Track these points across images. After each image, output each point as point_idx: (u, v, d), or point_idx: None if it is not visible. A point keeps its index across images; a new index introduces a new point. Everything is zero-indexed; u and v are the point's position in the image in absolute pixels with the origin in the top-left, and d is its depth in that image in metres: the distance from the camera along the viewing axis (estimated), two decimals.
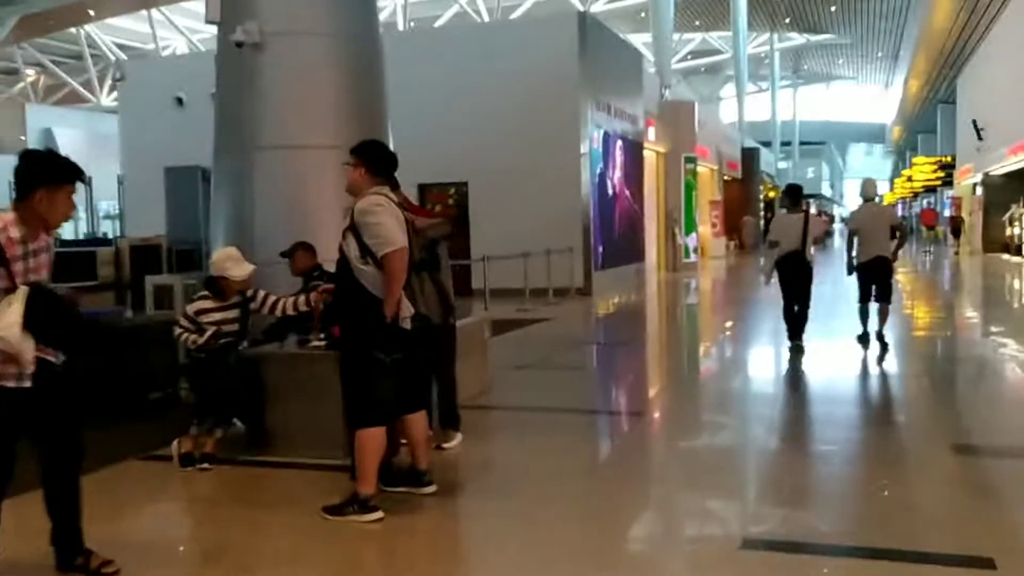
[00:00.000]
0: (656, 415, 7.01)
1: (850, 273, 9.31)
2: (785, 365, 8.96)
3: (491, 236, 16.66)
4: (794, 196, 9.41)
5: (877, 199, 9.89)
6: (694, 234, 24.09)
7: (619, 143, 18.84)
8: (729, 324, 13.40)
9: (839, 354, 9.32)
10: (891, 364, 8.95)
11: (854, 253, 9.26)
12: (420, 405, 4.68)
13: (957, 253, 26.98)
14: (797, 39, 52.66)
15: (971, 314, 13.92)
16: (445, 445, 5.62)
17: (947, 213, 37.10)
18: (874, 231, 9.04)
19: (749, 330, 12.29)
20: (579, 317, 14.11)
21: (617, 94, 18.60)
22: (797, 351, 9.06)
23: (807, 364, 8.75)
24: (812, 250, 9.10)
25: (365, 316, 4.33)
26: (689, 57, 53.29)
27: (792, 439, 6.03)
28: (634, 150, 19.97)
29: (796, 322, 9.13)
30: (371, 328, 4.33)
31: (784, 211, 9.67)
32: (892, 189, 60.67)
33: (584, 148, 16.64)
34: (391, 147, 7.39)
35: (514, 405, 7.19)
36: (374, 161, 4.55)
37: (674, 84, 27.25)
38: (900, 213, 37.17)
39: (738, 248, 33.44)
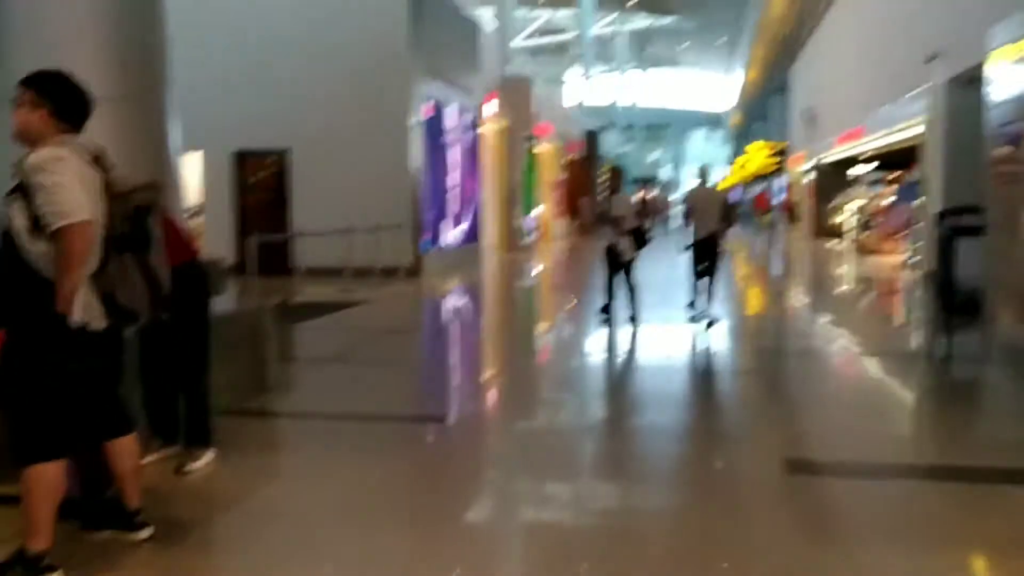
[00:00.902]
0: (465, 421, 6.06)
1: (687, 249, 9.93)
2: (604, 354, 8.33)
3: (314, 210, 15.44)
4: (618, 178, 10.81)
5: (710, 182, 10.55)
6: (532, 214, 23.47)
7: (454, 116, 17.86)
8: (561, 306, 12.74)
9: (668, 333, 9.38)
10: (722, 351, 8.44)
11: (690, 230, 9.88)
12: (122, 428, 3.56)
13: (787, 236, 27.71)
14: (642, 21, 53.19)
15: (801, 299, 13.81)
16: (188, 468, 4.51)
17: (780, 199, 38.24)
18: (705, 210, 9.74)
19: (579, 313, 11.65)
20: (402, 300, 13.05)
21: (453, 64, 17.60)
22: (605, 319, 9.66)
23: (632, 352, 8.11)
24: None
25: (39, 311, 3.19)
26: (537, 36, 53.01)
27: (611, 462, 5.23)
28: (471, 125, 19.04)
29: (630, 298, 9.66)
30: (48, 327, 3.20)
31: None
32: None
33: (414, 118, 15.57)
34: (168, 100, 6.19)
35: (296, 411, 6.11)
36: (62, 99, 3.38)
37: (520, 63, 26.49)
38: (736, 197, 37.92)
39: (584, 229, 33.20)
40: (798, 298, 13.95)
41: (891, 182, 22.54)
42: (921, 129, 16.12)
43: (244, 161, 16.22)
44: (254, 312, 6.24)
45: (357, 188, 15.41)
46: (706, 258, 9.70)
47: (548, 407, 6.52)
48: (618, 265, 9.58)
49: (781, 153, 41.05)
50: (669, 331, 9.75)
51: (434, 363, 8.43)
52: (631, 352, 8.80)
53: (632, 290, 9.63)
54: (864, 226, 21.67)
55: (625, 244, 9.51)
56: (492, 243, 22.18)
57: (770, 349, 9.07)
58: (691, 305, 9.96)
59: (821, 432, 5.58)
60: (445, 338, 10.19)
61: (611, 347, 8.91)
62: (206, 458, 4.59)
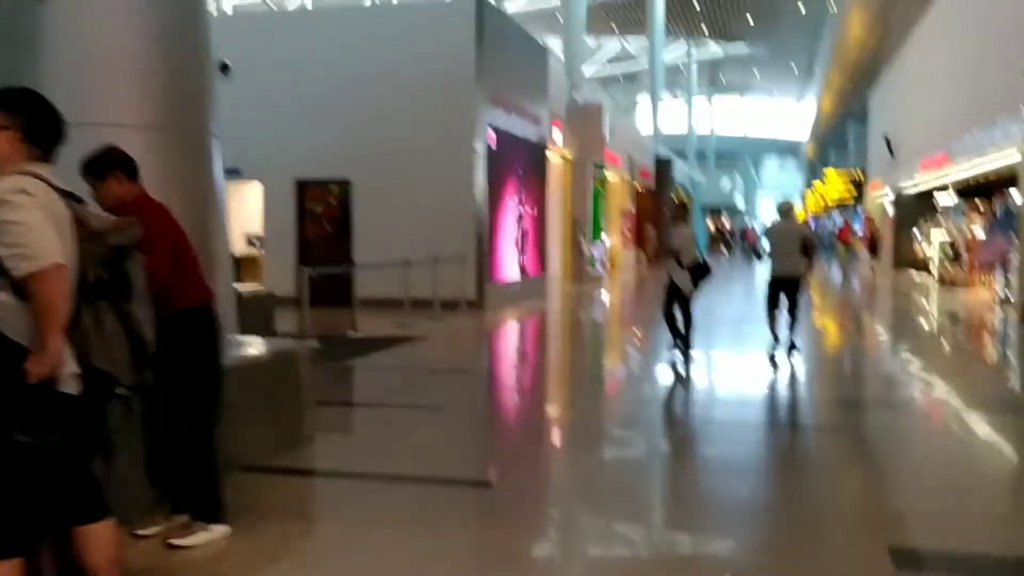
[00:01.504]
0: (514, 486, 5.33)
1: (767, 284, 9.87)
2: (673, 403, 7.61)
3: (376, 240, 15.11)
4: (683, 212, 10.39)
5: (790, 217, 10.20)
6: (600, 244, 22.82)
7: (521, 145, 17.38)
8: (627, 344, 12.05)
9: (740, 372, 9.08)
10: (802, 400, 7.66)
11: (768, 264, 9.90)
12: (94, 512, 3.02)
13: (872, 269, 26.34)
14: (714, 49, 52.37)
15: (888, 338, 12.85)
16: (177, 542, 3.95)
17: (857, 229, 36.83)
18: (784, 246, 9.56)
19: (647, 351, 10.96)
20: (461, 336, 12.48)
21: (519, 91, 17.14)
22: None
23: (701, 398, 7.39)
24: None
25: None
26: (607, 64, 52.55)
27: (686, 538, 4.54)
28: (537, 153, 18.54)
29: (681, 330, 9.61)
30: (8, 394, 2.70)
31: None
32: (803, 203, 60.78)
33: (479, 147, 15.11)
34: (213, 129, 5.81)
35: (328, 468, 5.56)
36: (32, 119, 2.91)
37: (589, 91, 25.99)
38: (813, 228, 36.67)
39: (649, 260, 32.38)
40: (884, 338, 12.99)
41: (980, 212, 21.31)
42: (1010, 154, 15.09)
43: (302, 190, 15.94)
44: (290, 354, 5.72)
45: (420, 218, 15.04)
46: (787, 294, 9.56)
47: (608, 471, 5.80)
48: (677, 297, 9.45)
49: (858, 183, 39.66)
50: (741, 370, 9.04)
51: (488, 410, 7.82)
52: (700, 398, 8.10)
53: (688, 323, 9.46)
54: (952, 258, 20.48)
55: (681, 277, 9.34)
56: (558, 274, 21.59)
57: (856, 400, 8.24)
58: (774, 342, 9.70)
59: (924, 509, 4.75)
60: (502, 380, 9.58)
61: (679, 393, 8.22)
62: (209, 534, 4.00)
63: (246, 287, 10.45)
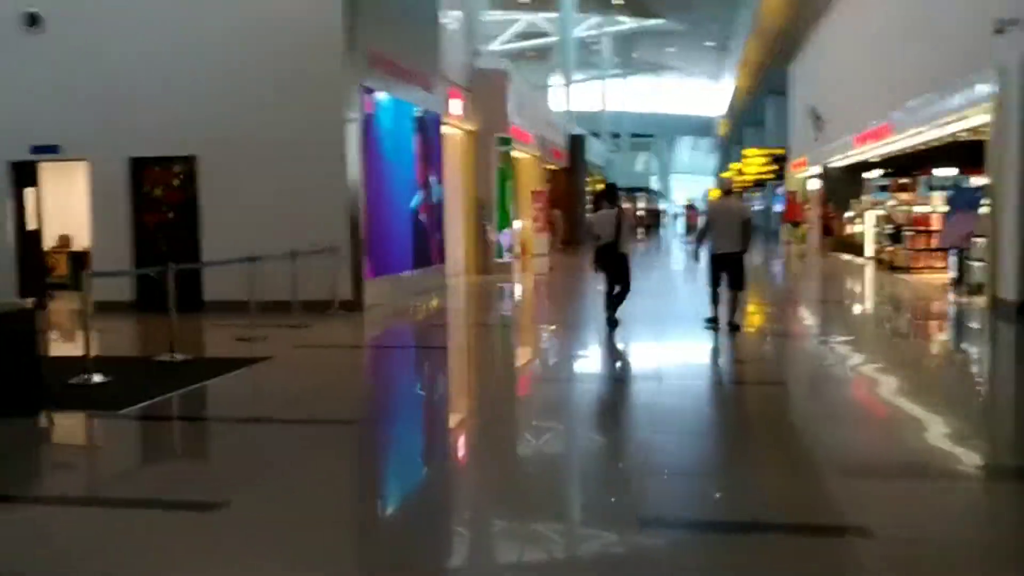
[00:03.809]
0: None
1: (696, 259, 10.52)
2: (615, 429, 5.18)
3: (229, 229, 12.42)
4: (610, 194, 10.87)
5: (732, 195, 10.96)
6: (508, 230, 20.36)
7: (409, 115, 14.75)
8: (542, 348, 9.62)
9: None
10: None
11: (705, 244, 10.10)
12: None
13: (803, 256, 24.34)
14: (628, 23, 50.47)
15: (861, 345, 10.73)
16: None
17: (778, 208, 35.36)
18: (726, 225, 9.83)
19: (565, 354, 8.56)
20: (322, 352, 9.56)
21: (405, 51, 14.46)
22: (611, 325, 10.05)
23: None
24: (629, 241, 10.51)
25: None
26: (517, 39, 50.12)
27: None
28: (430, 126, 15.92)
29: (614, 300, 10.18)
30: None
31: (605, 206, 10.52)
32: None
33: (352, 116, 12.44)
34: None
35: None
36: None
37: (495, 62, 23.44)
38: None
39: (562, 244, 30.14)
40: (858, 346, 10.87)
41: (903, 187, 19.61)
42: (974, 122, 13.16)
43: (140, 169, 13.04)
44: None
45: (283, 201, 12.38)
46: (729, 271, 9.83)
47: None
48: (614, 269, 10.15)
49: (780, 159, 38.13)
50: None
51: (302, 505, 4.49)
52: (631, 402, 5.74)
53: (622, 292, 10.21)
54: (893, 239, 18.65)
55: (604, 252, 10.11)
56: (459, 265, 19.07)
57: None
58: (711, 321, 9.92)
59: None
60: (358, 432, 6.41)
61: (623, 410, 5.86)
62: None
63: None
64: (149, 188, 13.05)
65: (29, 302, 6.67)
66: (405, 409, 7.10)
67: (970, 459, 5.25)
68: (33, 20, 12.96)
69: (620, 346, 9.68)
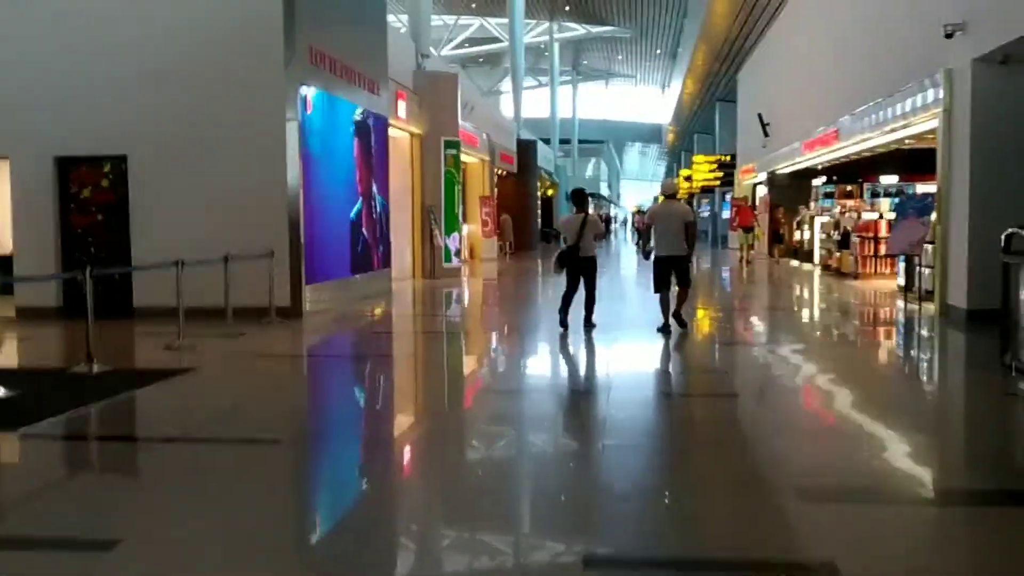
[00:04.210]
0: None
1: (647, 258, 10.33)
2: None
3: (161, 231, 11.89)
4: (578, 199, 10.72)
5: (676, 199, 10.69)
6: (456, 234, 19.97)
7: (352, 116, 14.29)
8: (491, 365, 9.23)
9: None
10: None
11: (651, 245, 10.21)
12: None
13: (749, 262, 24.26)
14: (578, 30, 50.46)
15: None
16: None
17: (727, 215, 35.43)
18: (670, 227, 10.01)
19: (515, 372, 8.18)
20: (254, 363, 8.90)
21: (348, 49, 14.02)
22: (564, 327, 10.11)
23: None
24: (591, 245, 10.29)
25: None
26: (466, 45, 49.78)
27: None
28: (375, 128, 15.46)
29: (571, 305, 10.21)
30: None
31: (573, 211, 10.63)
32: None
33: (292, 115, 11.96)
34: None
35: None
36: None
37: (443, 65, 23.01)
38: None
39: (510, 248, 29.85)
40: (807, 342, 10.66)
41: (848, 194, 19.80)
42: (920, 128, 13.12)
43: (65, 170, 12.41)
44: None
45: (217, 202, 11.88)
46: (676, 272, 10.09)
47: None
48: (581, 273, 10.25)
49: (727, 165, 38.27)
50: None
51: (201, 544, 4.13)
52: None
53: (589, 299, 10.31)
54: (840, 245, 18.64)
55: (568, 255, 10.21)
56: (405, 270, 18.64)
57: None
58: (663, 329, 9.96)
59: None
60: (282, 452, 6.05)
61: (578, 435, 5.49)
62: None
63: None
64: (77, 188, 12.43)
65: None
66: (337, 427, 6.61)
67: (929, 479, 4.99)
68: None
69: (571, 353, 9.36)
